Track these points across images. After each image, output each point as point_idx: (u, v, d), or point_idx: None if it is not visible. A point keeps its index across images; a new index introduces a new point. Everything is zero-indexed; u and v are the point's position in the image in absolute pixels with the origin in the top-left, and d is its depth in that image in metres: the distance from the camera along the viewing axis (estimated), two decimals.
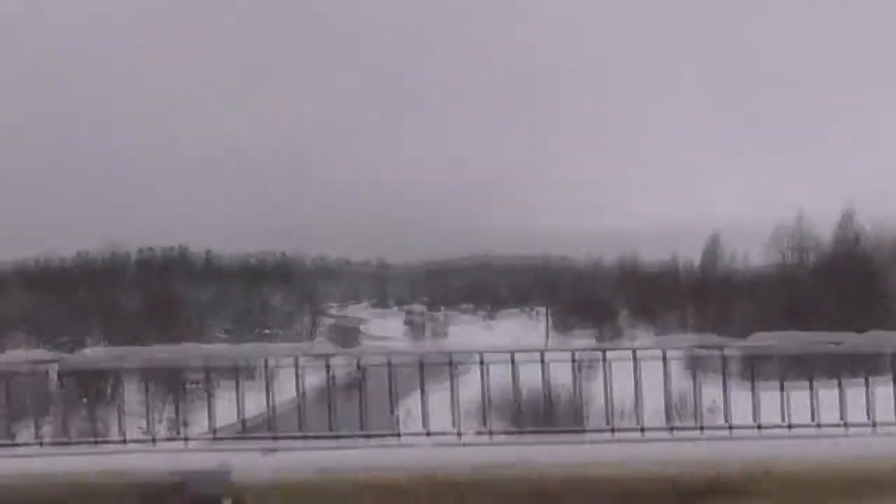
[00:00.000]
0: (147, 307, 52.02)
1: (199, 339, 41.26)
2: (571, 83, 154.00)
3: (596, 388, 9.96)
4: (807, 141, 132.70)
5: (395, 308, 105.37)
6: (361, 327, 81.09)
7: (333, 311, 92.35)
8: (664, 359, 10.99)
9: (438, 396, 9.24)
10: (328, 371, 9.96)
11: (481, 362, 9.78)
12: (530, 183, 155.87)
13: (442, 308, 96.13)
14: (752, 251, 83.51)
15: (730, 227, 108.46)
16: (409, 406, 10.09)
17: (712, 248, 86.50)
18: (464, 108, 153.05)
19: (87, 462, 3.40)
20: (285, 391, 9.64)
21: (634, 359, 9.72)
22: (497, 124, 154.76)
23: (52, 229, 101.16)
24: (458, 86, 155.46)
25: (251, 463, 3.14)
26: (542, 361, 11.12)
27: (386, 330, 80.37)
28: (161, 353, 9.92)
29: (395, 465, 3.34)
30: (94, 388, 29.57)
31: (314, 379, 10.79)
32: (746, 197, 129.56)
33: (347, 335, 68.83)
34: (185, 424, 10.59)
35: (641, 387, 9.45)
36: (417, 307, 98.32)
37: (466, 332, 77.43)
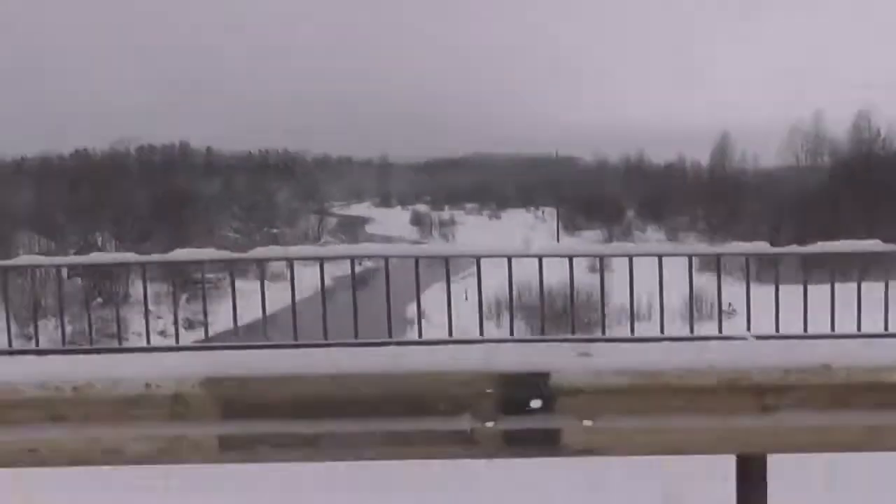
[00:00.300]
0: (154, 205, 51.90)
1: (209, 238, 41.31)
2: None
3: (613, 289, 10.09)
4: (820, 37, 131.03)
5: (399, 206, 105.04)
6: (366, 226, 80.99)
7: (336, 210, 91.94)
8: (690, 263, 11.04)
9: (444, 297, 9.37)
10: (353, 269, 9.96)
11: (509, 264, 9.76)
12: (534, 80, 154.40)
13: (446, 206, 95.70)
14: (763, 152, 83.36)
15: (740, 127, 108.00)
16: (424, 307, 10.02)
17: (722, 148, 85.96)
18: None
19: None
20: (304, 289, 9.71)
21: (660, 263, 9.74)
22: (501, 15, 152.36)
23: (49, 126, 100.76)
24: None
25: (568, 365, 3.13)
26: (571, 265, 11.13)
27: (391, 228, 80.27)
28: (177, 254, 10.01)
29: None
30: (107, 289, 29.65)
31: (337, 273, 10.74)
32: (758, 96, 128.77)
33: (352, 233, 69.07)
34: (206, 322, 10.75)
35: (662, 290, 9.50)
36: (422, 206, 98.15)
37: (472, 230, 77.24)
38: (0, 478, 3.65)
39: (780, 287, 9.02)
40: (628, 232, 67.47)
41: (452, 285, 9.34)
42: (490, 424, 3.14)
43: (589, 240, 65.72)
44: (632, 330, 10.02)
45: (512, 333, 10.20)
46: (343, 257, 10.06)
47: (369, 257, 11.70)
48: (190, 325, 18.06)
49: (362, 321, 9.30)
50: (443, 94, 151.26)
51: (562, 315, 16.23)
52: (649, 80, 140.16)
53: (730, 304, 9.58)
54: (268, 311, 9.40)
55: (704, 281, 11.10)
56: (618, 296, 10.76)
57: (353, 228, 71.30)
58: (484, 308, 9.85)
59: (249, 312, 9.70)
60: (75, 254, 45.04)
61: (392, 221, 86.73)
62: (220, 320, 11.56)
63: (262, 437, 3.18)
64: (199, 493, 4.40)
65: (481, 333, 9.95)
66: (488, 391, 3.10)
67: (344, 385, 3.13)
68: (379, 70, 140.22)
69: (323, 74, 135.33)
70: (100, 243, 43.06)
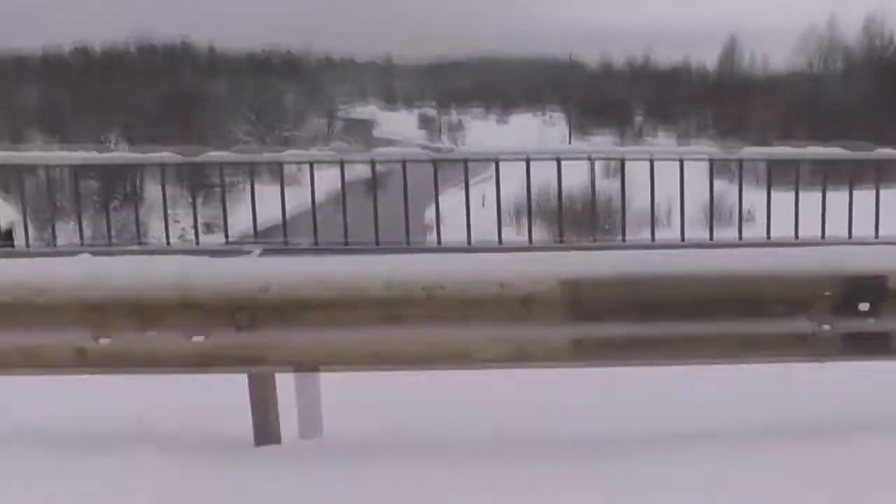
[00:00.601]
0: (162, 106, 51.81)
1: (220, 140, 41.48)
2: None
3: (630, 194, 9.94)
4: None
5: (404, 110, 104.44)
6: (373, 129, 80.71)
7: (341, 112, 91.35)
8: (711, 166, 11.26)
9: (460, 200, 9.26)
10: (374, 172, 10.10)
11: (527, 165, 9.71)
12: None
13: (453, 110, 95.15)
14: (772, 55, 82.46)
15: (749, 30, 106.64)
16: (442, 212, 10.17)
17: (730, 51, 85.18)
18: None
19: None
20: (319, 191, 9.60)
21: (681, 166, 9.99)
22: None
23: (49, 19, 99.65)
24: None
25: None
26: (592, 166, 11.30)
27: (398, 131, 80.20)
28: (198, 155, 10.04)
29: None
30: (121, 190, 29.83)
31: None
32: None
33: (359, 136, 68.98)
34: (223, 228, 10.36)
35: (684, 194, 9.71)
36: (428, 109, 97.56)
37: (480, 134, 77.07)
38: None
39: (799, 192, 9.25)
40: (639, 136, 67.34)
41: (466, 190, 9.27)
42: (827, 327, 3.20)
43: (600, 144, 65.81)
44: (652, 236, 9.95)
45: (531, 241, 10.07)
46: (362, 161, 10.15)
47: (388, 161, 11.45)
48: (208, 229, 18.14)
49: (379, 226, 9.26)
50: None
51: (582, 220, 16.57)
52: None
53: (748, 211, 9.85)
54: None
55: (718, 186, 11.16)
56: (638, 201, 10.54)
57: (359, 131, 71.09)
58: (502, 213, 9.67)
59: (262, 216, 9.96)
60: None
61: (399, 125, 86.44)
62: (238, 223, 11.49)
63: (611, 339, 3.21)
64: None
65: (500, 240, 9.67)
66: (827, 294, 3.13)
67: (683, 288, 3.14)
68: None
69: None
70: (112, 144, 43.14)
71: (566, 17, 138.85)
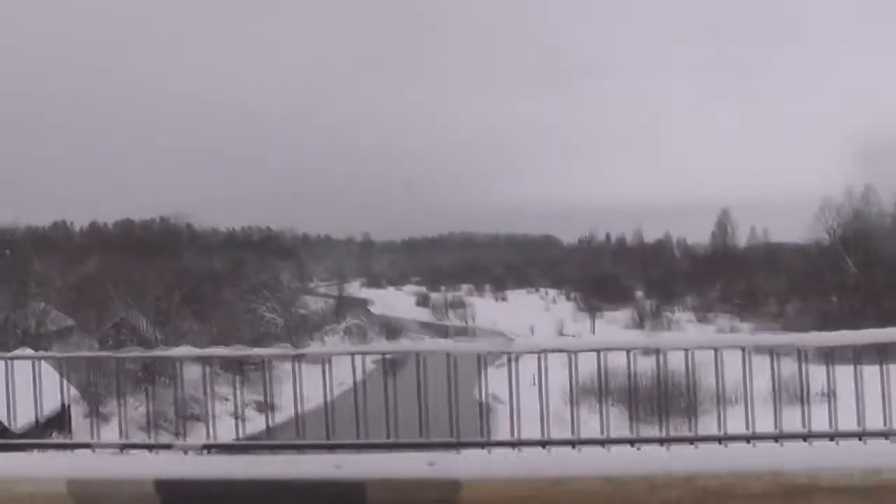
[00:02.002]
0: (170, 283, 51.55)
1: (247, 320, 41.26)
2: (557, 45, 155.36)
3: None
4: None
5: (390, 287, 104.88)
6: (370, 307, 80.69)
7: (323, 289, 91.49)
8: (772, 354, 10.47)
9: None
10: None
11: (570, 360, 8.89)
12: (512, 158, 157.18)
13: (442, 287, 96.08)
14: (770, 226, 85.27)
15: (739, 202, 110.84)
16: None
17: (724, 224, 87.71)
18: (451, 76, 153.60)
19: None
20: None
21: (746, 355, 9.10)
22: (477, 98, 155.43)
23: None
24: (441, 52, 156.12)
25: None
26: (658, 358, 10.37)
27: (396, 309, 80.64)
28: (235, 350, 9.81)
29: None
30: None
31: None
32: (754, 171, 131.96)
33: (359, 313, 69.08)
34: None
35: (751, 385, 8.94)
36: (416, 287, 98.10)
37: (485, 312, 77.59)
38: None
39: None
40: (656, 315, 67.84)
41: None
42: None
43: (615, 322, 66.68)
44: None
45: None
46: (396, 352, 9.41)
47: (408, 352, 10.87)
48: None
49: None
50: (418, 175, 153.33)
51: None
52: (618, 159, 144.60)
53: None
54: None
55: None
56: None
57: (357, 309, 71.04)
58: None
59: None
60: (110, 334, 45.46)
61: (395, 302, 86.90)
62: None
63: None
64: None
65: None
66: None
67: None
68: (352, 151, 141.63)
69: (297, 152, 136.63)
70: (143, 326, 43.02)
71: (540, 196, 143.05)
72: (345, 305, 72.70)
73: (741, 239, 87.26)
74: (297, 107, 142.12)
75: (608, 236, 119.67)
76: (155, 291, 46.85)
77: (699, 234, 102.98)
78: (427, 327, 71.92)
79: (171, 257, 59.63)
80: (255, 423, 11.66)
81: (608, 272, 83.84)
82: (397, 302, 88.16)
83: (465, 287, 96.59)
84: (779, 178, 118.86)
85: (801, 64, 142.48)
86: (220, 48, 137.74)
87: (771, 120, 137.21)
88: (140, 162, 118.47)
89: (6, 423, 21.71)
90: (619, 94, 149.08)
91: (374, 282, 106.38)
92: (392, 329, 66.31)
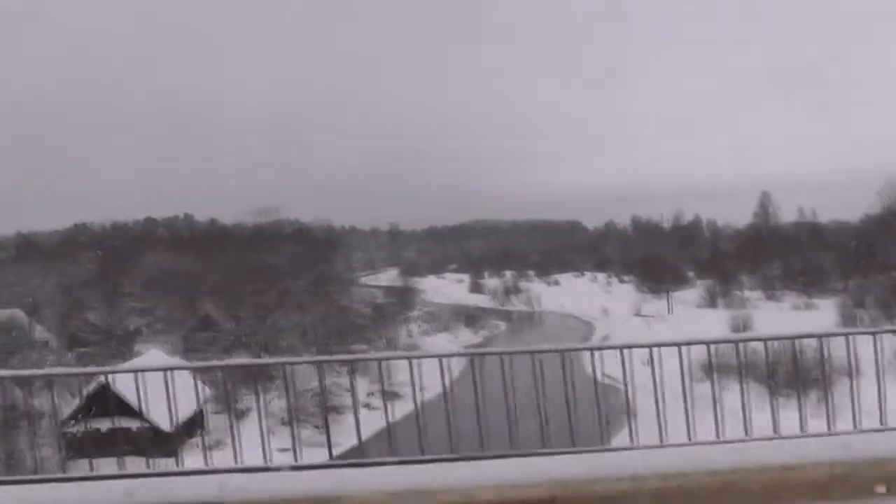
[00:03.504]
0: (243, 277, 52.33)
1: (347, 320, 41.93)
2: (589, 33, 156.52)
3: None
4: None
5: (430, 275, 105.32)
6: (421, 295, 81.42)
7: (365, 279, 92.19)
8: None
9: None
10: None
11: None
12: (534, 146, 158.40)
13: (486, 273, 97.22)
14: (817, 206, 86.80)
15: (775, 183, 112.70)
16: None
17: (765, 205, 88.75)
18: (473, 57, 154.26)
19: None
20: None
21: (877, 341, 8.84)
22: (506, 84, 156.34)
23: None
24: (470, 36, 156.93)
25: None
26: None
27: (449, 295, 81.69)
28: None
29: None
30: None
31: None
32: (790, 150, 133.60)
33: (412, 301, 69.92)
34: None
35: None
36: (451, 274, 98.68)
37: (547, 296, 78.42)
38: None
39: None
40: (727, 293, 68.74)
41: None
42: None
43: (684, 302, 67.57)
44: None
45: None
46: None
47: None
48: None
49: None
50: (439, 164, 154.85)
51: None
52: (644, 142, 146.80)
53: None
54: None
55: None
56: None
57: (410, 298, 71.57)
58: None
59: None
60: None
61: (444, 289, 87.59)
62: None
63: None
64: None
65: None
66: None
67: None
68: (376, 142, 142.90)
69: (312, 142, 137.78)
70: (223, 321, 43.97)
71: (561, 183, 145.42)
72: (406, 294, 72.91)
73: (783, 218, 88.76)
74: (324, 101, 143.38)
75: (635, 220, 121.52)
76: (236, 286, 47.95)
77: (730, 217, 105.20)
78: (492, 313, 72.77)
79: (234, 254, 60.74)
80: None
81: (655, 254, 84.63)
82: (446, 289, 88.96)
83: (508, 273, 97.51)
84: (812, 158, 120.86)
85: (849, 42, 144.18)
86: (254, 49, 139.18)
87: (810, 102, 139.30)
88: (169, 160, 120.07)
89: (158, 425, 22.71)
90: (648, 84, 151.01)
91: (410, 271, 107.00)
92: (470, 316, 67.41)
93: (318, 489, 3.48)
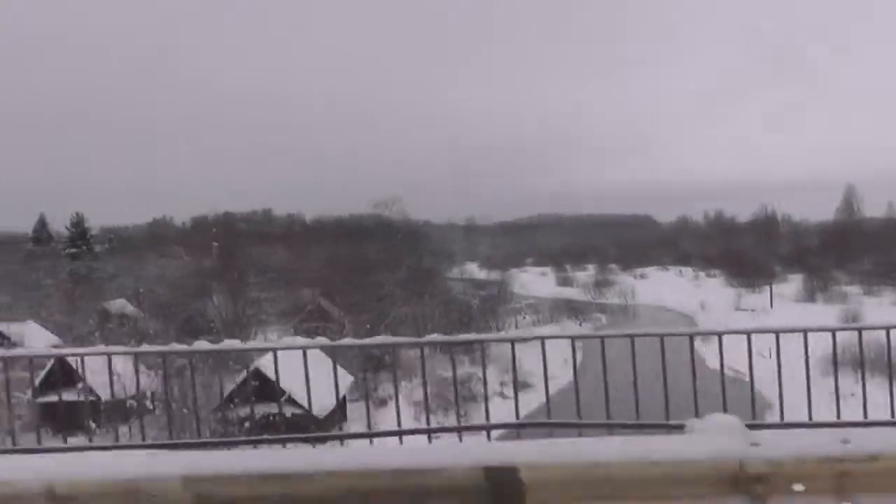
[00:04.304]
0: (348, 268, 53.62)
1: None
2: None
3: None
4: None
5: (510, 268, 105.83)
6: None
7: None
8: None
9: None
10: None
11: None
12: (601, 141, 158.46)
13: (568, 267, 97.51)
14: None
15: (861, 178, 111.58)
16: None
17: (849, 200, 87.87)
18: (541, 62, 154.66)
19: None
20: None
21: None
22: (577, 81, 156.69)
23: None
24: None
25: None
26: None
27: (539, 289, 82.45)
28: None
29: None
30: None
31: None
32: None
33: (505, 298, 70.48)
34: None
35: None
36: (531, 268, 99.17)
37: (642, 289, 78.76)
38: None
39: None
40: (825, 287, 68.43)
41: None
42: None
43: (782, 296, 67.30)
44: None
45: None
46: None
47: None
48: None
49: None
50: (499, 158, 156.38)
51: None
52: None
53: None
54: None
55: None
56: None
57: (504, 291, 72.15)
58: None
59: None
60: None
61: (531, 283, 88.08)
62: None
63: None
64: None
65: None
66: None
67: None
68: (443, 138, 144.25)
69: (390, 141, 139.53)
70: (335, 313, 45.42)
71: (628, 179, 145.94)
72: (501, 287, 73.36)
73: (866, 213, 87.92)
74: (394, 97, 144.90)
75: (706, 216, 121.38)
76: (338, 279, 49.42)
77: (805, 212, 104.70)
78: (589, 306, 72.90)
79: (328, 247, 62.46)
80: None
81: (738, 249, 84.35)
82: (533, 283, 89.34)
83: (589, 267, 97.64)
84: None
85: None
86: (313, 47, 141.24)
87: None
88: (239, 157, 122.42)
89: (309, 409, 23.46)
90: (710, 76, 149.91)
91: (488, 264, 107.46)
92: (572, 308, 68.00)
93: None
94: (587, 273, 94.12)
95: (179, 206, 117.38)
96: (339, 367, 18.94)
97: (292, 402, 25.17)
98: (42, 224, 74.44)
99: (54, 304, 52.68)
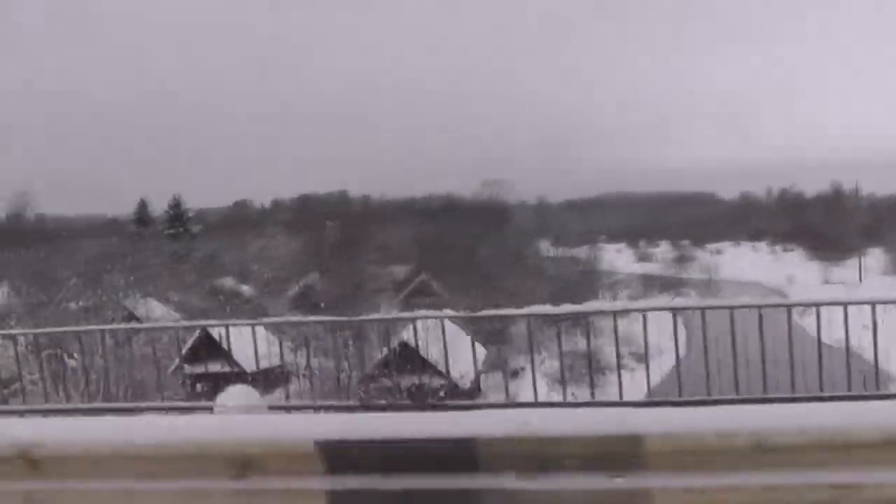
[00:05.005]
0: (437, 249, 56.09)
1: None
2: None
3: None
4: None
5: (583, 245, 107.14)
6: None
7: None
8: None
9: None
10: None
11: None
12: (665, 119, 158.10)
13: (641, 243, 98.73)
14: None
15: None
16: None
17: None
18: (603, 38, 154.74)
19: None
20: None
21: None
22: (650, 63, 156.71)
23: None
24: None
25: None
26: None
27: (617, 264, 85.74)
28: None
29: None
30: None
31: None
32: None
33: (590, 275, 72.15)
34: None
35: None
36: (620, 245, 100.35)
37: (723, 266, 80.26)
38: None
39: None
40: None
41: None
42: None
43: (868, 270, 68.15)
44: None
45: None
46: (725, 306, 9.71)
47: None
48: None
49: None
50: (572, 136, 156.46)
51: None
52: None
53: None
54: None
55: None
56: None
57: (591, 268, 73.68)
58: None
59: None
60: None
61: (614, 259, 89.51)
62: None
63: None
64: None
65: None
66: None
67: None
68: (510, 114, 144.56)
69: (456, 119, 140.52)
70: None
71: (689, 157, 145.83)
72: (588, 264, 74.76)
73: None
74: (451, 77, 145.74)
75: (770, 191, 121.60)
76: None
77: (872, 188, 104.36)
78: (674, 281, 74.17)
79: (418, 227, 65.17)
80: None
81: (815, 222, 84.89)
82: (613, 259, 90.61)
83: (662, 243, 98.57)
84: None
85: None
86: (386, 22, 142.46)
87: None
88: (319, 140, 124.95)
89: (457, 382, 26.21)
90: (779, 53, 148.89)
91: (562, 242, 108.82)
92: (663, 283, 69.49)
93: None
94: (661, 249, 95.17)
95: (258, 189, 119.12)
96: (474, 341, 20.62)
97: (437, 372, 27.11)
98: (143, 206, 77.33)
99: (164, 283, 54.33)
